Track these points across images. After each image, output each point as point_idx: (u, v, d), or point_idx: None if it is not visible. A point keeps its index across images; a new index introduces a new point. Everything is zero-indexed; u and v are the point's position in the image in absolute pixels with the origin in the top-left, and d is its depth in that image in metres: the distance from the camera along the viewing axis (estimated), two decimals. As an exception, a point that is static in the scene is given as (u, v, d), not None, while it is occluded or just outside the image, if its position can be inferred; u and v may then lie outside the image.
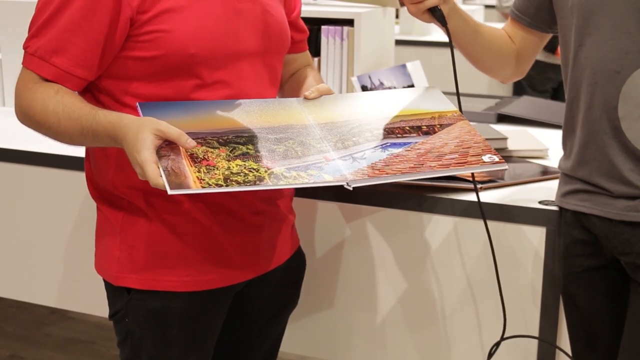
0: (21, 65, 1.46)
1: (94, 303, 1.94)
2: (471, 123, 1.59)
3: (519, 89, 4.35)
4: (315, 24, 2.48)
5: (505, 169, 1.63)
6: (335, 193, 1.84)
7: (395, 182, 1.70)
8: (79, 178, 1.73)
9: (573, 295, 1.57)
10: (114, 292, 1.56)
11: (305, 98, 1.58)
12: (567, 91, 1.53)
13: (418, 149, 1.49)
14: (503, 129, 2.23)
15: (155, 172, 1.28)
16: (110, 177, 1.52)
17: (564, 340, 1.69)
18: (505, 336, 1.64)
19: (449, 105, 1.62)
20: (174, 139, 1.33)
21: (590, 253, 1.52)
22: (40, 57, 1.42)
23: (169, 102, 1.45)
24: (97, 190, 1.58)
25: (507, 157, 2.02)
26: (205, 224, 1.52)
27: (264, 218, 1.59)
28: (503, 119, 2.53)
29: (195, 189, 1.28)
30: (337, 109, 1.57)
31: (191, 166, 1.31)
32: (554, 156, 2.03)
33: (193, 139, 1.35)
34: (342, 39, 2.47)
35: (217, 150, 1.37)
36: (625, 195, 1.44)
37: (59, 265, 2.11)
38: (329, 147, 1.45)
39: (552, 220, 1.66)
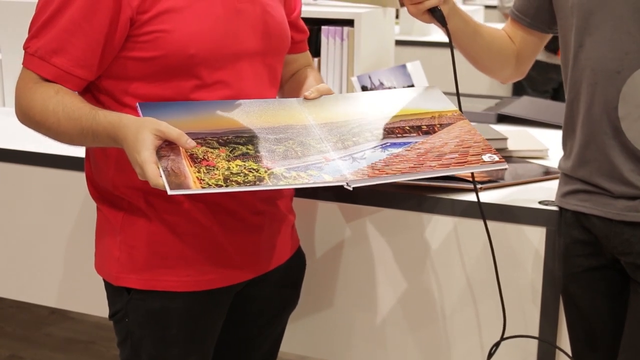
0: (21, 66, 1.46)
1: (94, 303, 1.94)
2: (471, 123, 1.59)
3: (519, 89, 4.35)
4: (315, 24, 2.48)
5: (505, 169, 1.63)
6: (335, 193, 1.84)
7: (395, 182, 1.70)
8: (79, 178, 1.73)
9: (573, 295, 1.57)
10: (114, 292, 1.56)
11: (305, 98, 1.58)
12: (567, 91, 1.53)
13: (418, 148, 1.49)
14: (503, 129, 2.23)
15: (155, 173, 1.28)
16: (110, 177, 1.53)
17: (564, 340, 1.69)
18: (505, 336, 1.64)
19: (449, 105, 1.62)
20: (174, 139, 1.33)
21: (590, 253, 1.52)
22: (40, 57, 1.42)
23: (169, 102, 1.45)
24: (97, 190, 1.58)
25: (507, 157, 2.02)
26: (205, 224, 1.52)
27: (264, 218, 1.59)
28: (503, 119, 2.53)
29: (195, 189, 1.28)
30: (337, 109, 1.57)
31: (191, 166, 1.31)
32: (554, 156, 2.03)
33: (193, 139, 1.35)
34: (342, 39, 2.47)
35: (217, 151, 1.37)
36: (625, 195, 1.44)
37: (59, 265, 2.11)
38: (329, 147, 1.45)
39: (552, 221, 1.66)
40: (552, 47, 3.56)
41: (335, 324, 1.91)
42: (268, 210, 1.59)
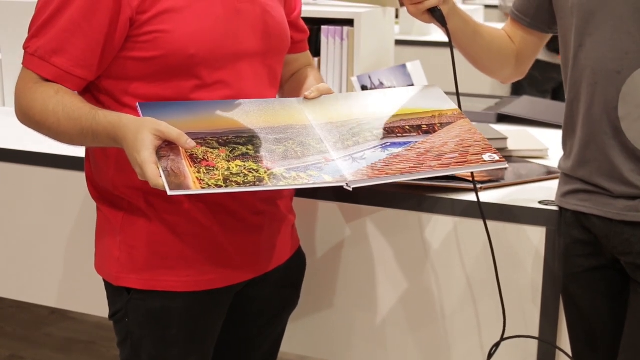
0: (21, 65, 1.46)
1: (94, 303, 1.94)
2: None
3: (518, 88, 4.35)
4: (315, 24, 2.48)
5: (506, 168, 1.63)
6: (335, 193, 1.84)
7: (395, 182, 1.70)
8: (79, 178, 1.73)
9: (573, 295, 1.57)
10: (114, 292, 1.56)
11: (306, 98, 1.58)
12: (567, 91, 1.53)
13: (418, 148, 1.49)
14: (503, 129, 2.23)
15: (154, 173, 1.28)
16: (110, 177, 1.52)
17: (564, 340, 1.69)
18: (505, 336, 1.64)
19: (449, 103, 1.62)
20: (174, 140, 1.33)
21: (591, 253, 1.52)
22: (40, 57, 1.42)
23: (169, 102, 1.45)
24: (97, 190, 1.57)
25: (507, 157, 2.01)
26: (205, 224, 1.52)
27: (264, 218, 1.59)
28: (503, 119, 2.53)
29: (195, 189, 1.28)
30: (337, 108, 1.57)
31: (191, 167, 1.31)
32: (554, 156, 2.03)
33: (193, 139, 1.35)
34: (342, 39, 2.47)
35: (216, 151, 1.37)
36: (625, 195, 1.44)
37: (59, 265, 2.11)
38: (329, 147, 1.45)
39: (552, 220, 1.66)
40: (555, 47, 3.56)
41: (335, 324, 1.91)
42: (268, 210, 1.59)
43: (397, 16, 4.42)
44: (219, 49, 1.47)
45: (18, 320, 3.50)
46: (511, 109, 2.59)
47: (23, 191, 2.10)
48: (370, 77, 2.37)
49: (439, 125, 1.56)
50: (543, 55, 4.24)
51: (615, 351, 1.52)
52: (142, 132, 1.31)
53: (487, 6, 5.56)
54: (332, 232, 1.87)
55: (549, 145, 2.09)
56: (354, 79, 2.35)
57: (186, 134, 1.34)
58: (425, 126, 1.56)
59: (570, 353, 1.63)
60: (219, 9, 1.47)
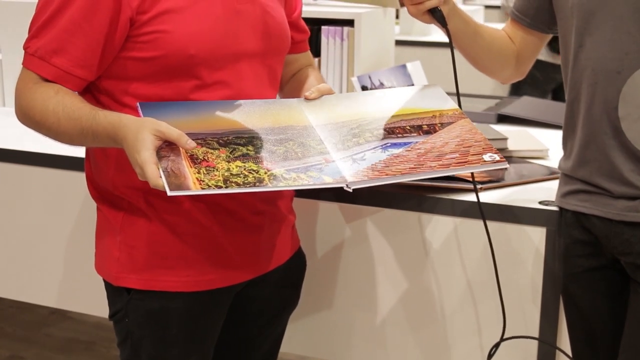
0: (21, 66, 1.46)
1: (94, 303, 1.94)
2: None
3: (518, 88, 4.35)
4: (316, 24, 2.47)
5: (506, 168, 1.63)
6: (335, 193, 1.84)
7: (395, 183, 1.70)
8: (79, 178, 1.73)
9: (573, 295, 1.57)
10: (114, 292, 1.56)
11: (306, 98, 1.58)
12: (567, 91, 1.53)
13: (418, 148, 1.49)
14: (503, 129, 2.23)
15: (154, 173, 1.28)
16: (110, 177, 1.52)
17: (564, 340, 1.69)
18: (505, 337, 1.64)
19: (449, 103, 1.62)
20: (174, 140, 1.33)
21: (591, 253, 1.52)
22: (40, 58, 1.42)
23: (169, 102, 1.45)
24: (97, 191, 1.58)
25: (507, 157, 2.01)
26: (205, 224, 1.52)
27: (264, 218, 1.59)
28: (503, 119, 2.53)
29: (195, 190, 1.28)
30: (338, 109, 1.57)
31: (191, 167, 1.31)
32: (554, 156, 2.03)
33: (193, 139, 1.35)
34: (342, 39, 2.47)
35: (217, 151, 1.37)
36: (625, 195, 1.44)
37: (59, 265, 2.11)
38: (329, 148, 1.45)
39: (552, 221, 1.66)
40: (557, 48, 3.56)
41: (335, 324, 1.91)
42: (268, 210, 1.59)
43: (397, 16, 4.42)
44: (219, 49, 1.47)
45: (18, 321, 3.50)
46: (511, 109, 2.59)
47: (23, 191, 2.10)
48: (370, 78, 2.37)
49: (439, 125, 1.56)
50: (544, 56, 4.24)
51: (615, 351, 1.52)
52: (142, 132, 1.31)
53: (487, 6, 5.56)
54: (332, 232, 1.87)
55: (549, 145, 2.09)
56: (354, 79, 2.35)
57: (186, 134, 1.34)
58: (425, 126, 1.55)
59: (570, 353, 1.63)
60: (219, 9, 1.47)
